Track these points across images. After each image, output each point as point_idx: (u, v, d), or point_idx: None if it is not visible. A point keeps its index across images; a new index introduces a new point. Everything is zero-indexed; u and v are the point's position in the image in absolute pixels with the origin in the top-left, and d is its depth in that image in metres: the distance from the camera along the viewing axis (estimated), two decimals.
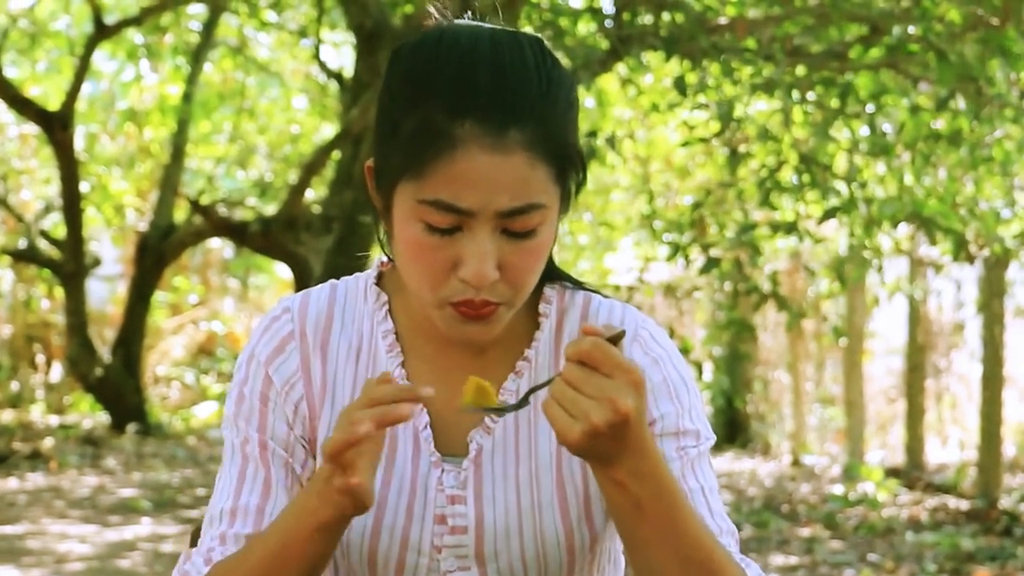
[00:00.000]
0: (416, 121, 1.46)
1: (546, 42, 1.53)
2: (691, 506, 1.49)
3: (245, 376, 1.62)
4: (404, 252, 1.52)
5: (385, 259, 1.67)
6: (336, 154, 9.87)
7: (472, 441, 1.60)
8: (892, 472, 9.50)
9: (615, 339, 1.41)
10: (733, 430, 12.23)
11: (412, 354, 1.61)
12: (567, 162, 1.49)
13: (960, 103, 6.23)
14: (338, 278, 1.69)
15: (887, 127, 7.03)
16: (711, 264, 7.01)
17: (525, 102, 1.45)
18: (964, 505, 8.22)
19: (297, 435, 1.61)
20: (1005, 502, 8.09)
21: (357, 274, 1.67)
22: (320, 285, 1.67)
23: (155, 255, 12.14)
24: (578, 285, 1.67)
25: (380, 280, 1.66)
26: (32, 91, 12.68)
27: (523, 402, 1.48)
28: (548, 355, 1.62)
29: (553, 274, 1.65)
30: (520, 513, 1.58)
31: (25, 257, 12.94)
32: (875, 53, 6.56)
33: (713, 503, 1.59)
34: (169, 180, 12.44)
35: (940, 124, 6.76)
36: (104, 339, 13.74)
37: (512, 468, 1.60)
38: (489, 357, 1.62)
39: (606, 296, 1.67)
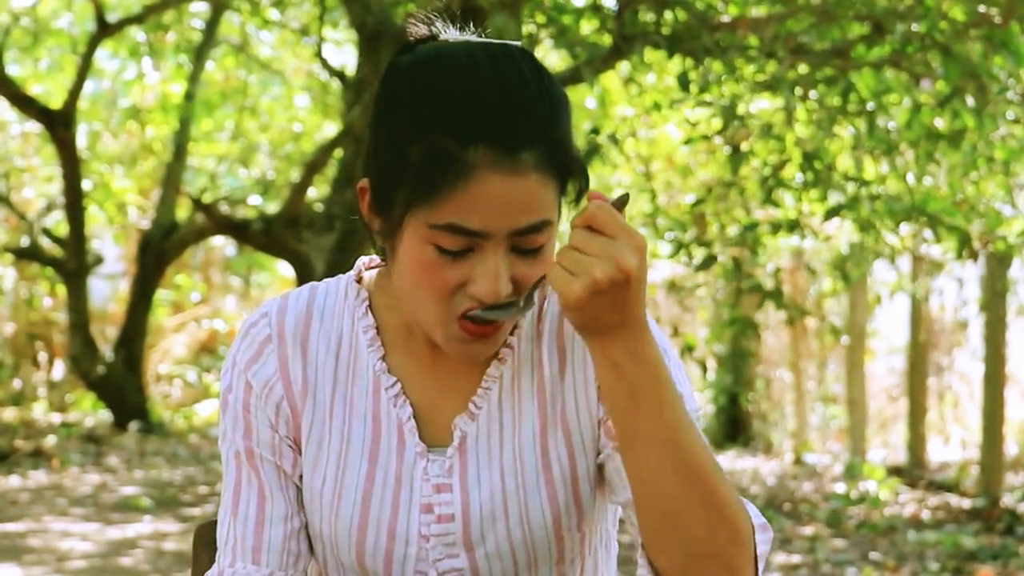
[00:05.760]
0: (425, 148, 1.46)
1: (533, 54, 1.54)
2: (689, 415, 1.50)
3: (229, 384, 1.64)
4: (411, 273, 1.53)
5: (366, 259, 1.69)
6: (338, 152, 9.87)
7: (456, 428, 1.61)
8: (894, 471, 9.50)
9: (619, 204, 1.45)
10: (735, 428, 12.23)
11: (392, 348, 1.63)
12: (571, 176, 1.52)
13: (963, 101, 6.22)
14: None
15: (891, 125, 7.03)
16: (709, 261, 7.01)
17: (533, 123, 1.48)
18: (966, 504, 8.22)
19: (282, 435, 1.63)
20: (1007, 501, 8.09)
21: (338, 276, 1.69)
22: (299, 288, 1.69)
23: (157, 253, 12.14)
24: None
25: (361, 280, 1.68)
26: (34, 89, 12.69)
27: (529, 300, 1.52)
28: (530, 342, 1.63)
29: None
30: (505, 496, 1.60)
31: (27, 255, 12.96)
32: (878, 51, 6.56)
33: None
34: (171, 178, 12.44)
35: (941, 123, 6.76)
36: (106, 337, 13.75)
37: (496, 451, 1.61)
38: None
39: None
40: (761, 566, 1.54)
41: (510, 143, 1.46)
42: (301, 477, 1.64)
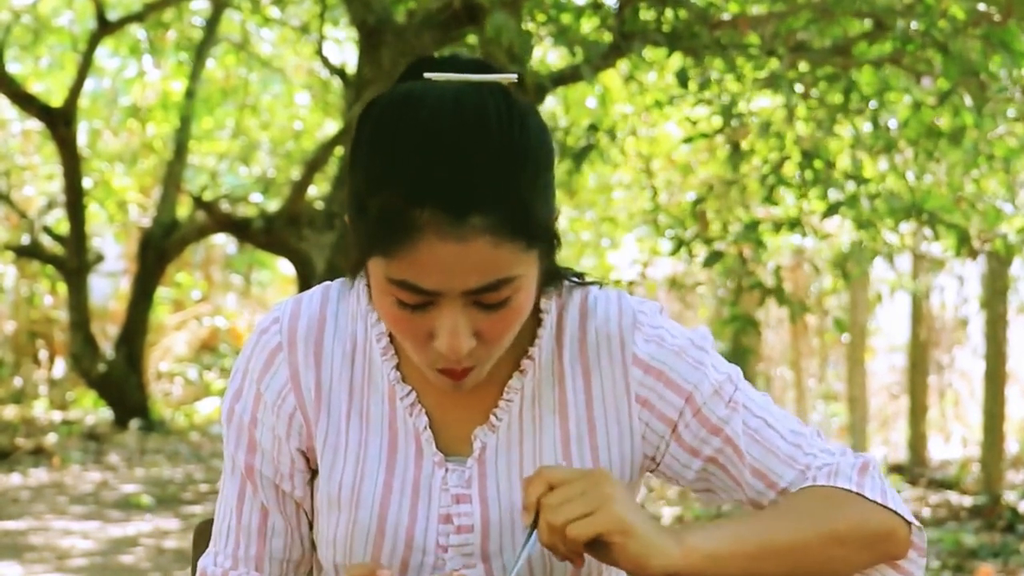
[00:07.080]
0: (378, 204, 1.42)
1: (513, 94, 1.46)
2: (764, 525, 1.56)
3: (238, 389, 1.63)
4: (382, 316, 1.52)
5: None
6: (339, 150, 9.87)
7: (476, 439, 1.60)
8: (895, 469, 9.50)
9: None
10: None
11: (407, 356, 1.60)
12: (535, 236, 1.46)
13: (963, 99, 6.22)
14: (341, 275, 1.68)
15: (892, 123, 7.02)
16: (714, 257, 7.01)
17: (487, 184, 1.41)
18: (967, 501, 8.21)
19: (293, 448, 1.61)
20: (1008, 498, 8.08)
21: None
22: (312, 289, 1.66)
23: (158, 251, 12.14)
24: (577, 278, 1.66)
25: None
26: (35, 87, 12.70)
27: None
28: (551, 352, 1.62)
29: (552, 273, 1.63)
30: None
31: (28, 253, 12.96)
32: (878, 49, 6.56)
33: (779, 425, 1.63)
34: (172, 176, 12.44)
35: (941, 121, 6.75)
36: (107, 335, 13.76)
37: (516, 465, 1.60)
38: None
39: (601, 286, 1.66)
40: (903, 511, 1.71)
41: (457, 207, 1.40)
42: (313, 480, 1.63)
